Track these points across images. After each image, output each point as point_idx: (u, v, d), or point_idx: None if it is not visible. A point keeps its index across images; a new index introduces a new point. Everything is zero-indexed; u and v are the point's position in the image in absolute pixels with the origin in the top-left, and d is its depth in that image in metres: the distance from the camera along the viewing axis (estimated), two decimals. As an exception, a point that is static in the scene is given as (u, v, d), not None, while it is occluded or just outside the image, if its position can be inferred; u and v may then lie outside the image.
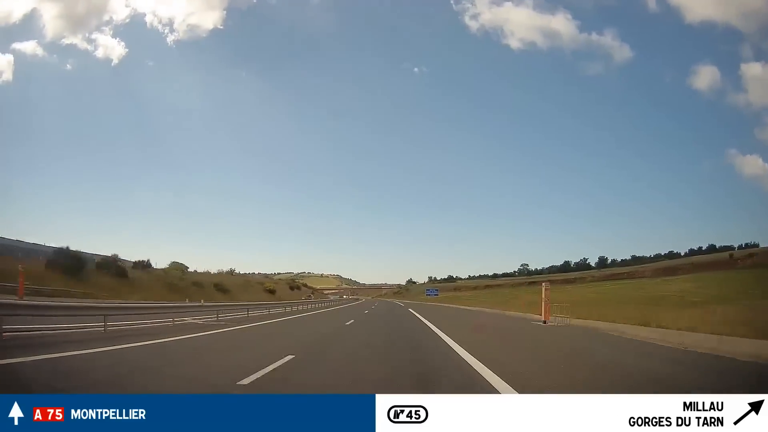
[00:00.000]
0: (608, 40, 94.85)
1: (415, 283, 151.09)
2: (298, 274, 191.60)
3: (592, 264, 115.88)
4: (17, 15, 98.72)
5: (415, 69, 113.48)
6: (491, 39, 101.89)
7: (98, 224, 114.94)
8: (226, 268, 79.10)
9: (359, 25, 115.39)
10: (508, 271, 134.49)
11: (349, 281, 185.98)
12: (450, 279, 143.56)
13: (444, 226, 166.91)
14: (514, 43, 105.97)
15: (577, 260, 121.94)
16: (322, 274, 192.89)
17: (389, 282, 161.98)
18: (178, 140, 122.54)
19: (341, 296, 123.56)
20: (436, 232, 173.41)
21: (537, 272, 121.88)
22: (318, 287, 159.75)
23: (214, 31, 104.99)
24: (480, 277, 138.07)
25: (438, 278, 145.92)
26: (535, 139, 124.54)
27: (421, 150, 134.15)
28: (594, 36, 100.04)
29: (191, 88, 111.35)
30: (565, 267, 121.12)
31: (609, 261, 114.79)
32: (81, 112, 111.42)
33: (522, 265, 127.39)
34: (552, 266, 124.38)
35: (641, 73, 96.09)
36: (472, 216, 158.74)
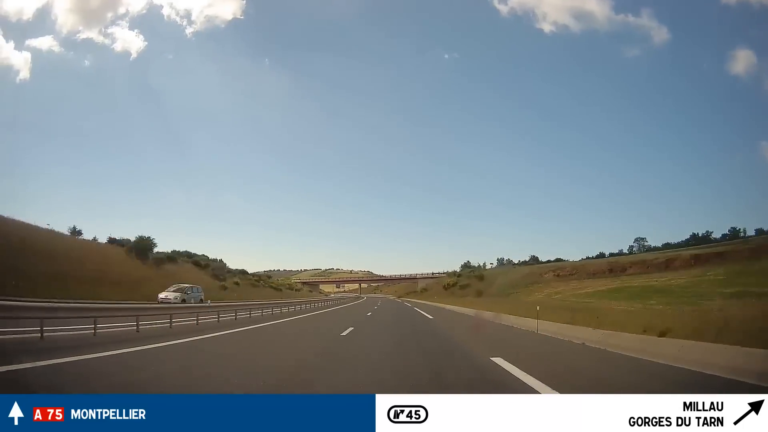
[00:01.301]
0: (645, 21, 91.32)
1: (476, 267, 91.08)
2: (326, 270, 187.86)
3: (716, 236, 79.74)
4: (29, 10, 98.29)
5: (446, 55, 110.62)
6: (522, 23, 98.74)
7: (115, 219, 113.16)
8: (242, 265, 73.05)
9: (386, 10, 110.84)
10: (612, 250, 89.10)
11: (379, 277, 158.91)
12: (534, 260, 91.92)
13: (474, 214, 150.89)
14: (546, 27, 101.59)
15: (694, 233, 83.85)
16: (351, 270, 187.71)
17: (434, 270, 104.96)
18: (200, 133, 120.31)
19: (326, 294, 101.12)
20: (462, 221, 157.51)
21: (665, 248, 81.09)
22: (344, 279, 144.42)
23: (234, 21, 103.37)
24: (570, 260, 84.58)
25: (516, 261, 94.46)
26: (569, 124, 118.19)
27: (455, 139, 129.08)
28: (630, 17, 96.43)
29: (213, 80, 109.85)
30: (695, 240, 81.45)
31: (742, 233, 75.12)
32: (101, 108, 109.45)
33: (637, 240, 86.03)
34: (667, 243, 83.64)
35: (680, 56, 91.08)
36: (517, 200, 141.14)
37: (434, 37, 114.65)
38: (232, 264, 65.06)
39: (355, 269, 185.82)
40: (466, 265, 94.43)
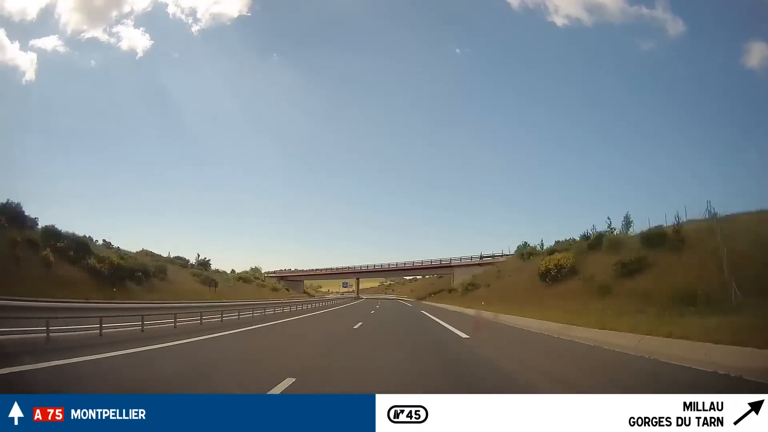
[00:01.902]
0: (659, 12, 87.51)
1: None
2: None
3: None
4: (32, 10, 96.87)
5: (457, 50, 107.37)
6: (534, 16, 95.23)
7: (126, 221, 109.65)
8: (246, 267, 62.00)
9: (398, 3, 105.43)
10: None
11: (389, 267, 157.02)
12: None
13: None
14: (558, 20, 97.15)
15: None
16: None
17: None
18: (208, 132, 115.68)
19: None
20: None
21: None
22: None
23: (241, 19, 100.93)
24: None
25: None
26: (584, 119, 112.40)
27: (468, 135, 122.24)
28: (644, 9, 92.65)
29: (221, 78, 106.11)
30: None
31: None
32: (108, 108, 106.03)
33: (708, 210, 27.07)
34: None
35: (695, 49, 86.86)
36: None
37: (446, 31, 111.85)
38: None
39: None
40: (525, 246, 51.20)
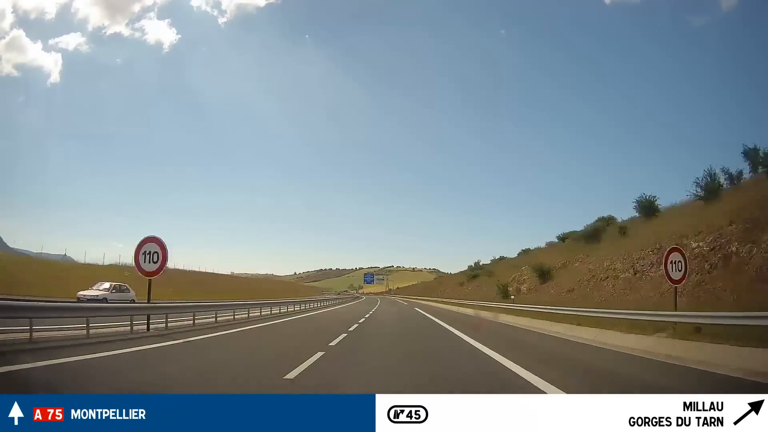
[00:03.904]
0: None
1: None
2: (384, 268, 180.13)
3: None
4: (51, 7, 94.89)
5: (502, 31, 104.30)
6: None
7: (145, 225, 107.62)
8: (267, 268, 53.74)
9: None
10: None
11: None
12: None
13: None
14: None
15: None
16: (414, 268, 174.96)
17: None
18: (242, 128, 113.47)
19: None
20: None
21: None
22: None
23: (269, 6, 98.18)
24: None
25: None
26: (629, 96, 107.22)
27: (509, 122, 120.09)
28: None
29: (250, 69, 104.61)
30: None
31: None
32: (137, 108, 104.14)
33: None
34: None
35: (747, 23, 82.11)
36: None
37: (491, 11, 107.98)
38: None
39: (419, 266, 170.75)
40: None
